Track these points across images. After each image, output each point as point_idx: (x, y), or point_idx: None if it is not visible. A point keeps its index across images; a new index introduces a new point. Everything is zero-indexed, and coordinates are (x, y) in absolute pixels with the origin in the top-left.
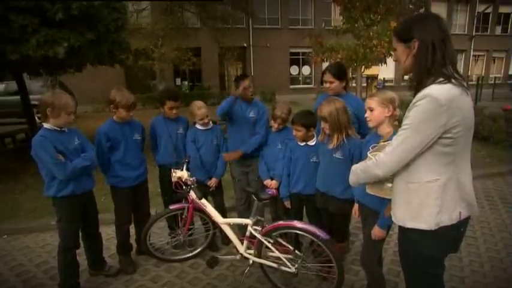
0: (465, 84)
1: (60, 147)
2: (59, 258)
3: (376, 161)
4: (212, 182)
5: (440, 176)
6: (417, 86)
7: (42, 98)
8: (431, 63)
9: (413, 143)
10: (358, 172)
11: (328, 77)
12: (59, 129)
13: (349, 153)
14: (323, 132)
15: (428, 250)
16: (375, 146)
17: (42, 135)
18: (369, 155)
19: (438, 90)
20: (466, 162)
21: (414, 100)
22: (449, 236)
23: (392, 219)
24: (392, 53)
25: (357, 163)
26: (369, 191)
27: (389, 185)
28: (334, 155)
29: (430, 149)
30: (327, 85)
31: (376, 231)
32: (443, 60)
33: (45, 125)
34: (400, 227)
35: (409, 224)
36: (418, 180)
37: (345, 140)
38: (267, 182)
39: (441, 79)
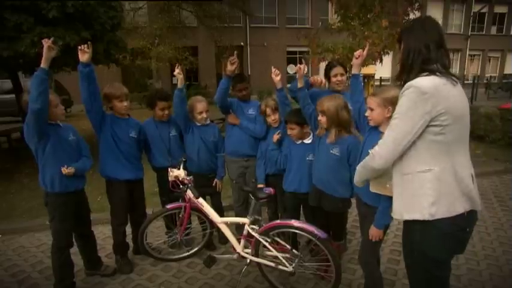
0: (454, 78)
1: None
2: (53, 258)
3: (371, 154)
4: (215, 184)
5: (433, 166)
6: (403, 82)
7: (24, 101)
8: (412, 65)
9: (403, 130)
10: (359, 169)
11: (339, 69)
12: (53, 122)
13: (346, 150)
14: (320, 126)
15: (431, 249)
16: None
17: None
18: (369, 151)
19: (421, 81)
20: (463, 154)
21: (401, 92)
22: (455, 236)
23: (391, 214)
24: (388, 52)
25: (353, 161)
26: (372, 189)
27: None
28: (331, 151)
29: (421, 138)
30: (338, 78)
31: (373, 232)
32: (425, 62)
33: None
34: (404, 222)
35: (406, 216)
36: (411, 171)
37: (345, 136)
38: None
39: (425, 73)
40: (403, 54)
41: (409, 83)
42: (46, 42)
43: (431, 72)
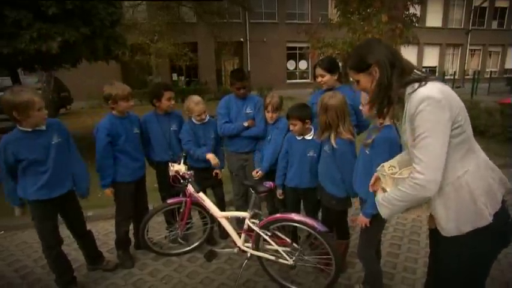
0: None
1: (26, 153)
2: (45, 256)
3: (417, 185)
4: (216, 174)
5: (466, 166)
6: (388, 105)
7: (2, 101)
8: (390, 80)
9: (438, 145)
10: (394, 203)
11: (319, 70)
12: (34, 129)
13: (332, 150)
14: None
15: (483, 247)
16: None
17: (8, 139)
18: (410, 182)
19: (428, 91)
20: (475, 143)
21: (412, 109)
22: (502, 232)
23: (443, 234)
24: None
25: (340, 164)
26: (412, 214)
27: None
28: (324, 148)
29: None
30: (319, 79)
31: (361, 218)
32: (404, 71)
33: (19, 127)
34: (443, 237)
35: (467, 228)
36: (450, 181)
37: (332, 136)
38: (253, 172)
39: (419, 83)
40: (382, 73)
41: (418, 98)
42: None
43: (424, 79)
